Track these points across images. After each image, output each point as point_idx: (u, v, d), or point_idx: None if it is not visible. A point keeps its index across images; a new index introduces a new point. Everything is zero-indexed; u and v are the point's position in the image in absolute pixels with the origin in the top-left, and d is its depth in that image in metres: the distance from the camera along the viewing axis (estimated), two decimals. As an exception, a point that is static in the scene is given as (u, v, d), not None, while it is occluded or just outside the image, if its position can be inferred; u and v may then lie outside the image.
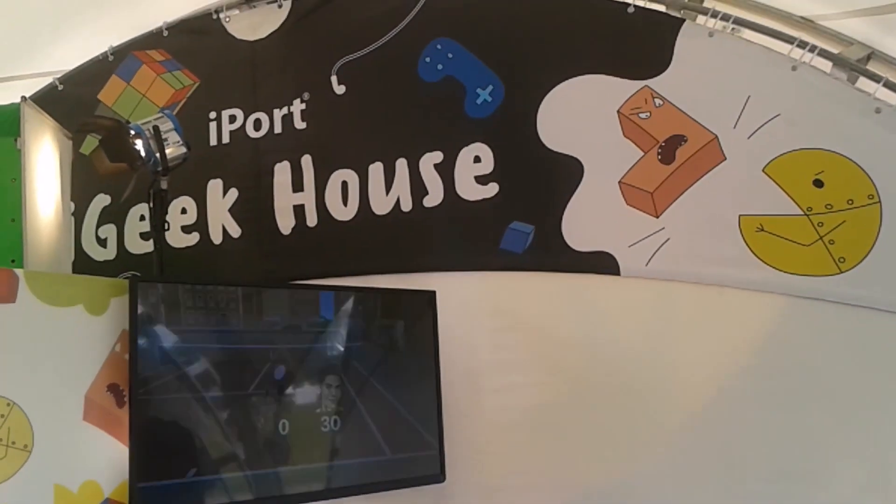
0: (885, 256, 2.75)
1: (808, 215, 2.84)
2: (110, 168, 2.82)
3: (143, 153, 2.73)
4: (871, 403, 2.77)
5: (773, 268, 2.88)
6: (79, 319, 2.40)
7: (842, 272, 2.79)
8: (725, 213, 2.94)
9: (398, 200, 3.33)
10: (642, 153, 3.06)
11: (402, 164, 3.34)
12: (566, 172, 3.13)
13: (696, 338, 2.98)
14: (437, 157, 3.30)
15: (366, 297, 2.95)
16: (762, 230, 2.90)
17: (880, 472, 2.74)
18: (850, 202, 2.79)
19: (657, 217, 3.03)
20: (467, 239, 3.26)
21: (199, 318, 2.58)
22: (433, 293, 3.07)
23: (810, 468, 2.80)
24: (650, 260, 3.03)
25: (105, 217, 3.75)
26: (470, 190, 3.25)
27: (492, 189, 3.23)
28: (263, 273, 3.49)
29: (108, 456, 2.39)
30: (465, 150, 3.26)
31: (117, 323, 2.46)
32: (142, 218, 3.64)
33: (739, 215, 2.93)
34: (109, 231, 3.74)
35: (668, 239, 3.02)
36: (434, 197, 3.30)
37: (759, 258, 2.90)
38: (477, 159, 3.25)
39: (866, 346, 2.79)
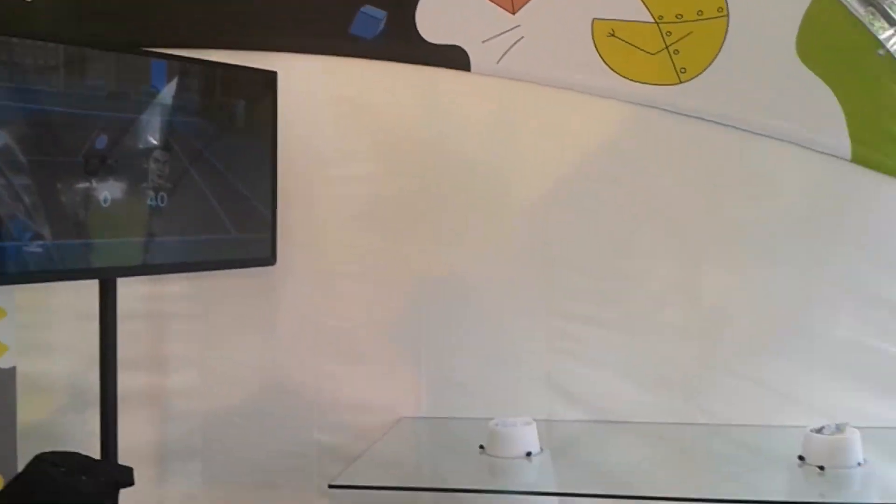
0: (724, 70, 2.84)
1: (658, 23, 2.86)
2: None
3: None
4: (691, 212, 2.95)
5: (619, 75, 2.92)
6: None
7: (681, 82, 2.86)
8: (581, 15, 2.91)
9: (243, -31, 3.08)
10: (503, -56, 2.95)
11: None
12: (424, -43, 2.98)
13: (540, 140, 3.02)
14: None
15: (202, 71, 2.75)
16: (613, 35, 2.90)
17: (690, 274, 2.96)
18: (700, 13, 2.83)
19: (513, 13, 2.96)
20: (315, 19, 3.07)
21: (9, 75, 2.32)
22: (274, 74, 2.91)
23: (630, 268, 2.99)
24: (502, 58, 2.99)
25: None
26: (320, -35, 3.04)
27: (344, -34, 3.03)
28: (85, 38, 3.16)
29: None
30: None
31: None
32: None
33: (593, 19, 2.91)
34: None
35: (522, 38, 2.97)
36: (282, -30, 3.06)
37: (607, 64, 2.92)
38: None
39: (697, 157, 2.93)
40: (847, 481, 2.40)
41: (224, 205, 2.81)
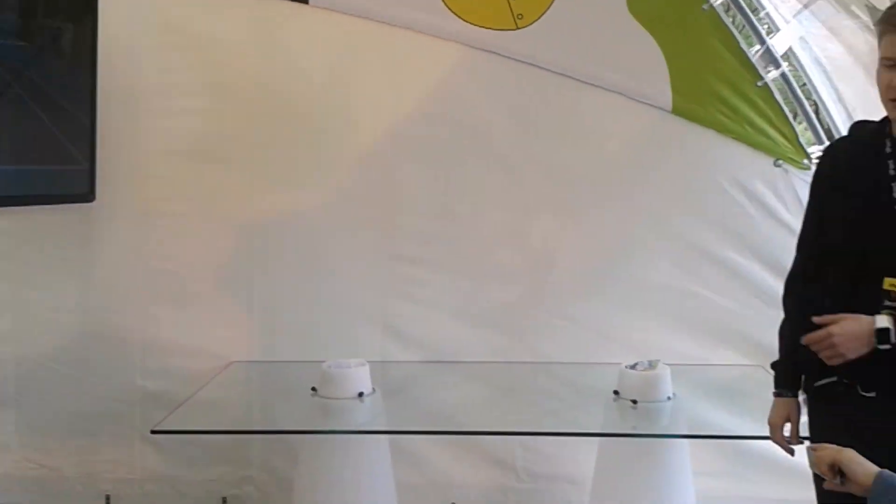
0: (558, 19, 2.88)
1: (497, -33, 2.87)
2: None
3: None
4: (524, 157, 3.00)
5: (459, 17, 2.91)
6: None
7: (518, 28, 2.89)
8: (425, -47, 2.88)
9: None
10: None
11: None
12: None
13: (378, 79, 2.97)
14: None
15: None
16: (454, -24, 2.89)
17: (520, 218, 3.04)
18: (538, -39, 2.86)
19: (355, -52, 2.89)
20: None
21: None
22: (93, -4, 2.70)
23: (464, 211, 3.02)
24: (342, -9, 2.91)
25: None
26: None
27: None
28: None
29: None
30: None
31: None
32: None
33: (437, -43, 2.88)
34: None
35: (363, -28, 2.91)
36: None
37: (447, 6, 2.90)
38: None
39: (531, 103, 2.97)
40: (657, 414, 2.57)
41: (38, 135, 2.61)
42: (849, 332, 1.67)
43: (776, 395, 1.92)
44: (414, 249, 3.02)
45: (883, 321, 1.66)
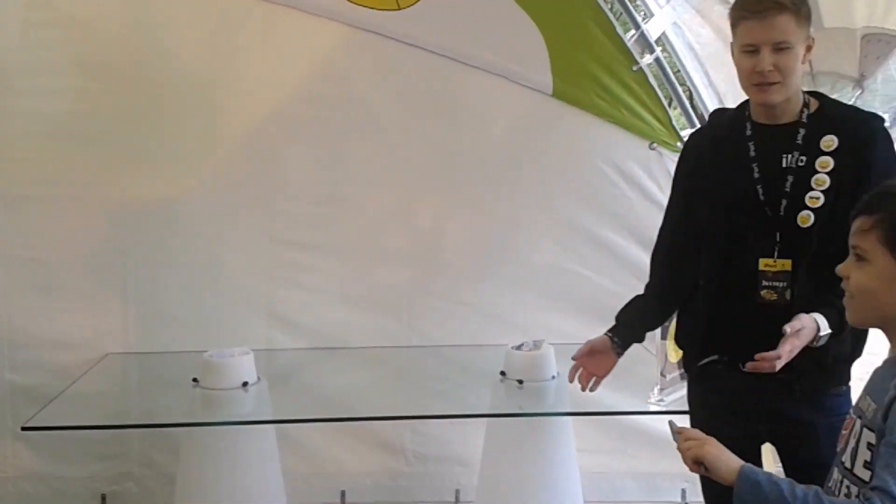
0: (439, 0, 2.88)
1: (380, -52, 2.84)
2: None
3: None
4: (409, 139, 3.00)
5: (342, -4, 2.88)
6: None
7: (400, 9, 2.87)
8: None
9: None
10: None
11: None
12: None
13: (259, 59, 2.91)
14: None
15: None
16: (336, -45, 2.85)
17: (406, 201, 3.04)
18: (419, -59, 2.85)
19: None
20: None
21: None
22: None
23: (350, 193, 3.00)
24: (220, -34, 2.82)
25: None
26: None
27: None
28: None
29: None
30: None
31: None
32: None
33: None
34: None
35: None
36: None
37: (329, -16, 2.87)
38: None
39: (414, 85, 2.97)
40: (543, 393, 2.62)
41: None
42: (799, 347, 1.70)
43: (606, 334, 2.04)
44: (299, 234, 2.98)
45: (825, 326, 1.71)
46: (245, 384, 2.52)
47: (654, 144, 3.04)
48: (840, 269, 1.39)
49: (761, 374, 1.72)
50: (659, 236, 2.05)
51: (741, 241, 1.83)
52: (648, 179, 3.05)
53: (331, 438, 3.02)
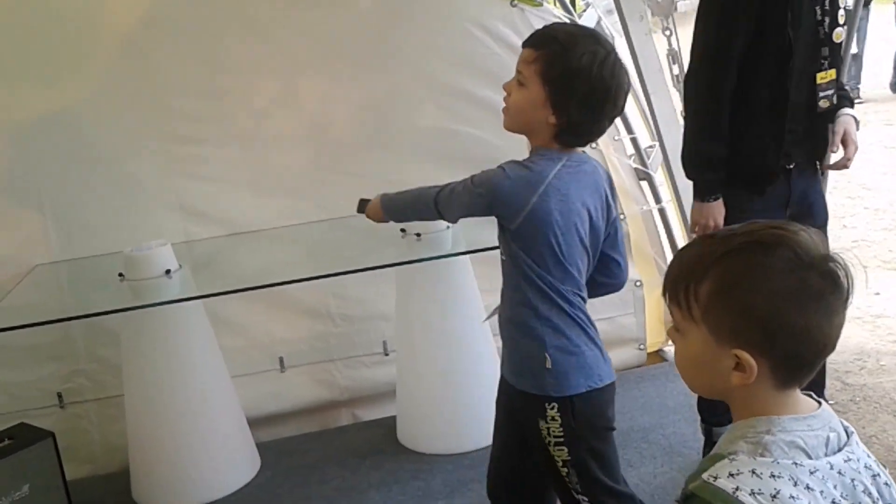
0: None
1: None
2: None
3: None
4: (282, 25, 3.10)
5: None
6: None
7: None
8: None
9: None
10: None
11: None
12: None
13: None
14: None
15: None
16: None
17: (290, 84, 3.20)
18: None
19: None
20: None
21: None
22: None
23: (233, 86, 3.14)
24: None
25: None
26: None
27: None
28: None
29: None
30: None
31: None
32: None
33: None
34: None
35: None
36: None
37: None
38: None
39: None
40: (440, 242, 2.84)
41: None
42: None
43: (713, 199, 2.35)
44: (193, 129, 3.11)
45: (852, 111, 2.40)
46: (168, 272, 2.73)
47: (516, 2, 3.21)
48: (504, 85, 1.86)
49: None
50: (711, 69, 2.30)
51: (805, 59, 2.23)
52: (515, 36, 3.20)
53: (262, 314, 3.25)
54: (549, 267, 1.79)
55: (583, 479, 1.85)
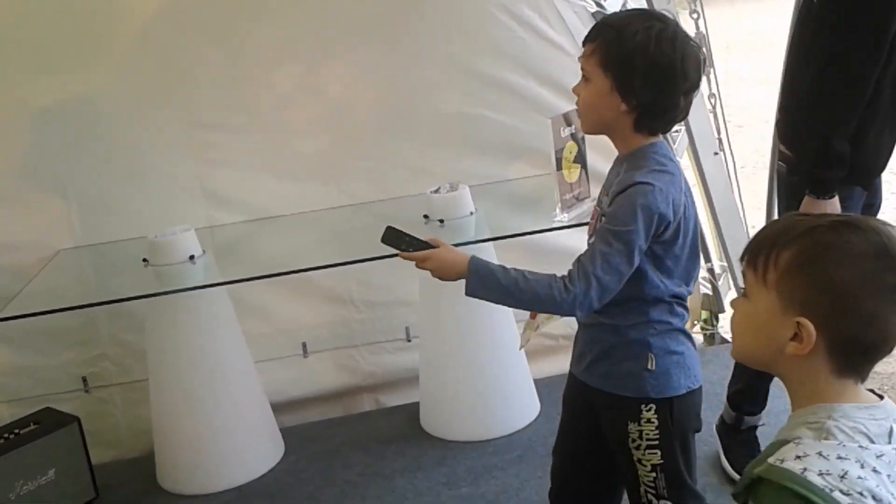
0: None
1: None
2: None
3: None
4: (302, 11, 3.06)
5: None
6: None
7: None
8: None
9: None
10: None
11: None
12: None
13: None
14: None
15: None
16: None
17: (312, 72, 3.18)
18: None
19: None
20: None
21: None
22: None
23: (255, 72, 3.12)
24: None
25: None
26: None
27: None
28: None
29: None
30: None
31: None
32: None
33: None
34: None
35: None
36: None
37: None
38: None
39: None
40: (464, 228, 2.85)
41: None
42: None
43: (830, 196, 2.26)
44: (215, 116, 3.10)
45: None
46: (192, 257, 2.75)
47: (541, -16, 3.18)
48: (573, 89, 1.73)
49: None
50: (848, 82, 2.19)
51: None
52: (539, 19, 3.17)
53: (285, 299, 3.25)
54: (669, 267, 1.70)
55: (671, 483, 1.77)
